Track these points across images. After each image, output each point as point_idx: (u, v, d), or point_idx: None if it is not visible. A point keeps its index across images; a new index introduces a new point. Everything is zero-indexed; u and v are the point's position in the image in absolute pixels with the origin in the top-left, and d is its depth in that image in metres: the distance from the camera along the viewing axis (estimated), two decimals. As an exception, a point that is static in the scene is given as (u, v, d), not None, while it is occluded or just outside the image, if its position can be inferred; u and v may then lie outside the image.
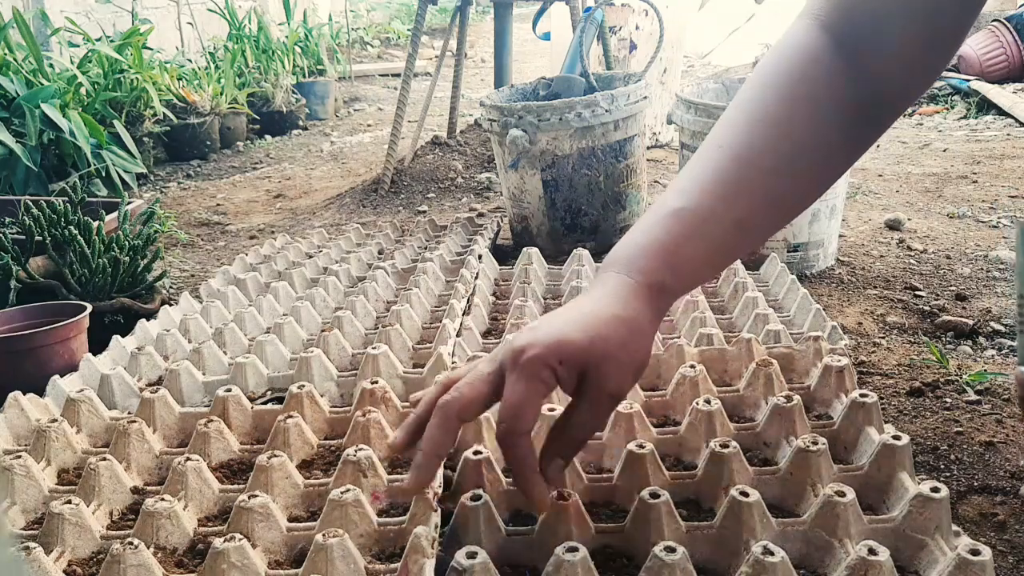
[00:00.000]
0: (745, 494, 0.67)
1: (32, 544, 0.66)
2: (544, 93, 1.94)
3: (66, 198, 1.52)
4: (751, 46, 5.01)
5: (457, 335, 1.11)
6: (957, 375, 1.15)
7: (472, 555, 0.62)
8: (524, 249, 1.45)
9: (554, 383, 0.60)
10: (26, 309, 1.26)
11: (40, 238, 1.39)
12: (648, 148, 2.44)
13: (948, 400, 1.08)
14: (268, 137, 3.59)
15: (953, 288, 1.49)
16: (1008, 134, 2.85)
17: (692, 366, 0.91)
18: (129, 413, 0.97)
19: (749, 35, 5.27)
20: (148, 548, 0.66)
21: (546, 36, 2.88)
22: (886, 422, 0.83)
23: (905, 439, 0.74)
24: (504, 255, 1.72)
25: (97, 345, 1.16)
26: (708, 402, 0.83)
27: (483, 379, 0.62)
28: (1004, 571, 0.76)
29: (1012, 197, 2.07)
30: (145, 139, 2.88)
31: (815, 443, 0.74)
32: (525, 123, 1.67)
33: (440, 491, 0.71)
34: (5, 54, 2.44)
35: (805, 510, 0.70)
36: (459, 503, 0.69)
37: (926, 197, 2.13)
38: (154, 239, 1.54)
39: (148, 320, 1.23)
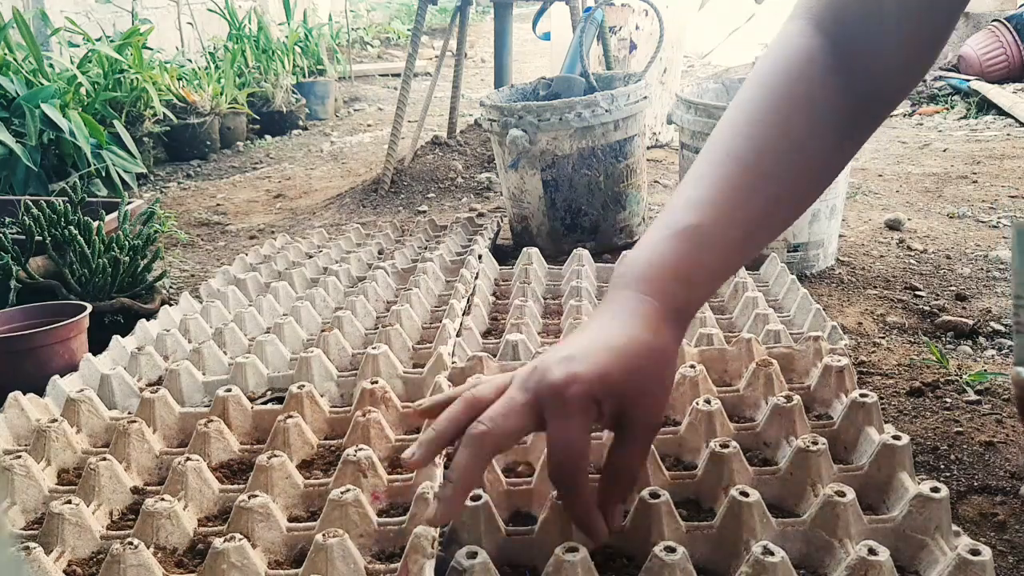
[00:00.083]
0: (745, 494, 0.67)
1: (32, 544, 0.66)
2: (544, 93, 1.94)
3: (66, 198, 1.52)
4: (751, 46, 5.01)
5: (457, 335, 1.11)
6: (957, 375, 1.15)
7: (472, 555, 0.62)
8: (524, 249, 1.45)
9: (595, 415, 0.59)
10: (26, 309, 1.26)
11: (40, 238, 1.39)
12: (648, 148, 2.44)
13: (948, 400, 1.08)
14: (268, 137, 3.59)
15: (953, 288, 1.49)
16: (1008, 134, 2.85)
17: (692, 366, 0.91)
18: (129, 413, 0.97)
19: (749, 35, 5.27)
20: (148, 548, 0.66)
21: (546, 36, 2.88)
22: (886, 422, 0.83)
23: (905, 439, 0.74)
24: (504, 255, 1.72)
25: (97, 345, 1.16)
26: (708, 402, 0.83)
27: (519, 411, 0.59)
28: (1004, 571, 0.76)
29: (1012, 197, 2.07)
30: (145, 139, 2.88)
31: (815, 443, 0.74)
32: (525, 123, 1.67)
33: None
34: (5, 54, 2.44)
35: (805, 510, 0.70)
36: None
37: (926, 197, 2.13)
38: (154, 239, 1.54)
39: (148, 320, 1.23)
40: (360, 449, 0.77)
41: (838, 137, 0.68)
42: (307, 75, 4.09)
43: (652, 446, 0.76)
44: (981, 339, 1.29)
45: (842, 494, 0.66)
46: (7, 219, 1.53)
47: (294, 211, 2.40)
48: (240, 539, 0.64)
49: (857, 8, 0.66)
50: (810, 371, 0.97)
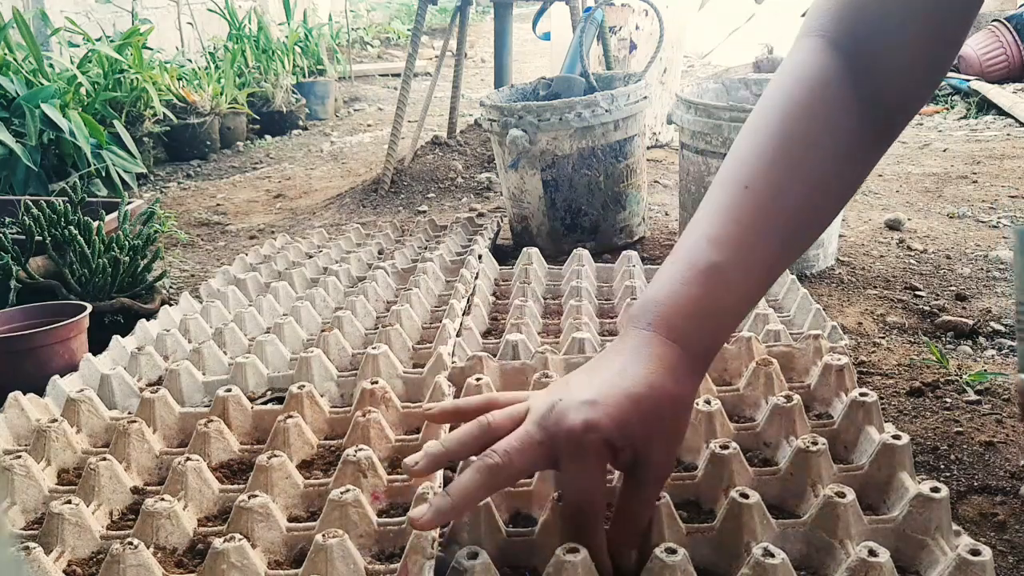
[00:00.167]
0: (745, 496, 0.67)
1: (32, 544, 0.66)
2: (544, 93, 1.94)
3: (66, 198, 1.52)
4: (751, 46, 5.01)
5: (457, 335, 1.11)
6: (957, 375, 1.15)
7: (473, 555, 0.62)
8: (524, 249, 1.45)
9: (609, 460, 0.59)
10: (26, 309, 1.26)
11: (40, 238, 1.39)
12: (648, 148, 2.44)
13: (948, 400, 1.08)
14: (268, 137, 3.59)
15: (953, 288, 1.49)
16: (1008, 134, 2.85)
17: (692, 366, 0.91)
18: (129, 413, 0.97)
19: (749, 35, 5.27)
20: (148, 548, 0.66)
21: (546, 36, 2.88)
22: (886, 422, 0.83)
23: (905, 438, 0.74)
24: (504, 255, 1.72)
25: (97, 345, 1.16)
26: (708, 402, 0.83)
27: (534, 449, 0.59)
28: (1004, 571, 0.76)
29: (1012, 197, 2.07)
30: (145, 139, 2.88)
31: (815, 443, 0.74)
32: (525, 123, 1.67)
33: (441, 491, 0.71)
34: (5, 54, 2.44)
35: (805, 510, 0.70)
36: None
37: (926, 197, 2.13)
38: (154, 239, 1.54)
39: (148, 320, 1.23)
40: (360, 449, 0.77)
41: (860, 157, 0.66)
42: (307, 75, 4.09)
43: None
44: (981, 339, 1.29)
45: (842, 495, 0.66)
46: (7, 219, 1.53)
47: (294, 211, 2.40)
48: (240, 539, 0.64)
49: (872, 21, 0.64)
50: (810, 370, 0.96)
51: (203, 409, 0.95)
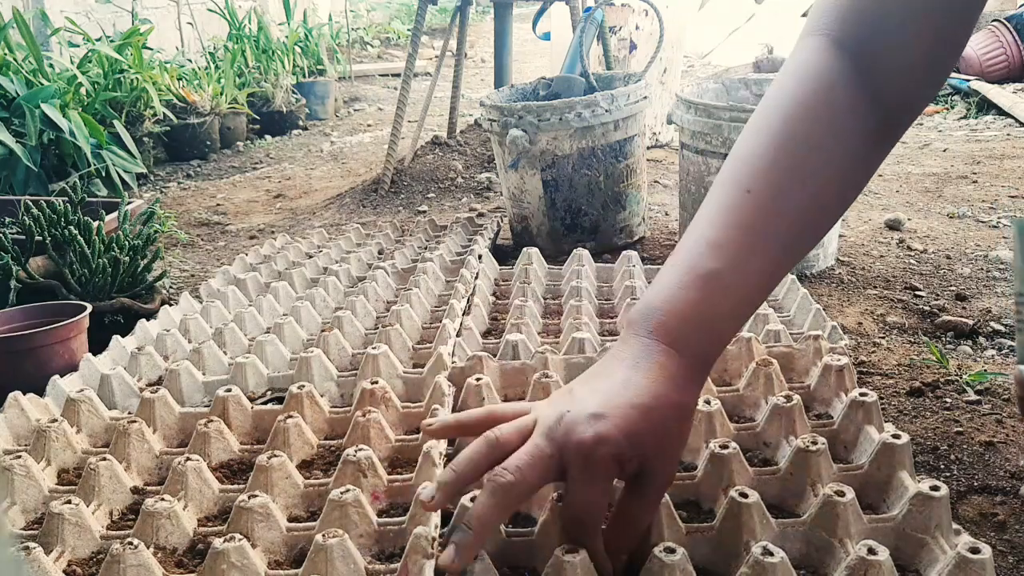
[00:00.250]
0: (745, 495, 0.67)
1: (32, 544, 0.66)
2: (544, 93, 1.94)
3: (66, 198, 1.52)
4: (751, 46, 5.00)
5: (457, 335, 1.11)
6: (957, 375, 1.15)
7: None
8: (524, 249, 1.45)
9: (617, 475, 0.59)
10: (26, 309, 1.26)
11: (40, 238, 1.39)
12: (648, 148, 2.44)
13: (948, 400, 1.08)
14: (268, 137, 3.59)
15: (953, 288, 1.49)
16: (1008, 134, 2.85)
17: (692, 366, 0.91)
18: (129, 413, 0.97)
19: (749, 35, 5.27)
20: (148, 548, 0.66)
21: (546, 36, 2.88)
22: (886, 422, 0.83)
23: (905, 438, 0.74)
24: (504, 255, 1.72)
25: (97, 345, 1.16)
26: (708, 402, 0.83)
27: (545, 464, 0.58)
28: (1004, 571, 0.76)
29: (1012, 197, 2.07)
30: (145, 139, 2.88)
31: (815, 443, 0.74)
32: (525, 123, 1.67)
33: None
34: (5, 54, 2.44)
35: (805, 510, 0.70)
36: (459, 503, 0.69)
37: (926, 197, 2.13)
38: (154, 239, 1.54)
39: (148, 320, 1.23)
40: (360, 449, 0.77)
41: (863, 159, 0.65)
42: (307, 75, 4.09)
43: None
44: (981, 339, 1.29)
45: (842, 494, 0.66)
46: (7, 219, 1.53)
47: (294, 211, 2.40)
48: (240, 539, 0.64)
49: (872, 21, 0.63)
50: (810, 370, 0.97)
51: (203, 409, 0.95)
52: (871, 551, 0.59)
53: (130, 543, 0.65)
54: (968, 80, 3.46)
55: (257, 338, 1.11)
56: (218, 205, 2.51)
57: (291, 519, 0.75)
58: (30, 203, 1.47)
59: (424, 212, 2.24)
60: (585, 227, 1.74)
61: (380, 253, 1.63)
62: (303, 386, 0.92)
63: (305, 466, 0.84)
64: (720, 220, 0.63)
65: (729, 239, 0.62)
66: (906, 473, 0.73)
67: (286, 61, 3.87)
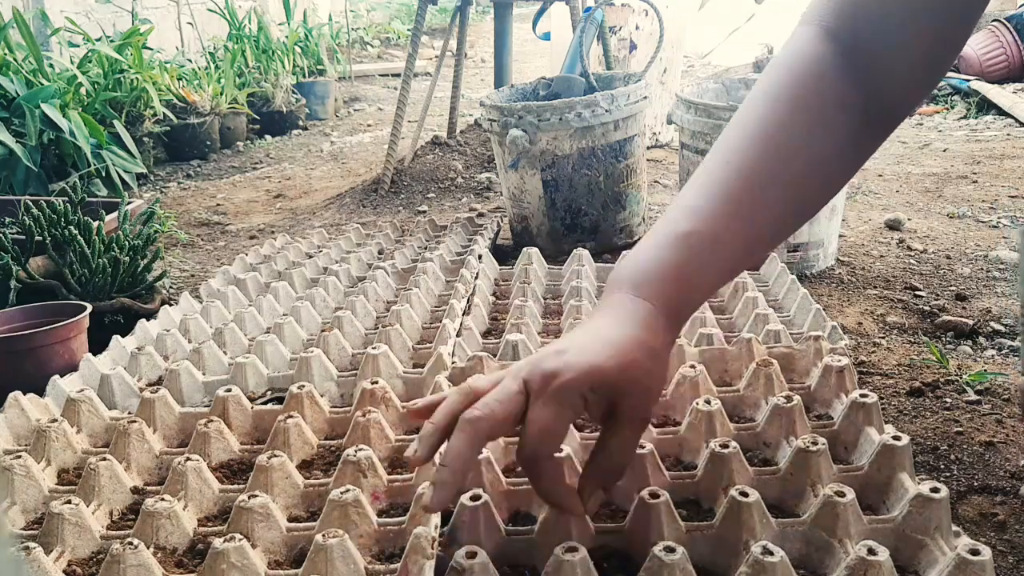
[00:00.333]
0: (745, 494, 0.67)
1: (32, 544, 0.66)
2: (544, 93, 1.94)
3: (66, 198, 1.52)
4: (751, 46, 5.00)
5: (457, 335, 1.11)
6: (957, 375, 1.15)
7: (472, 555, 0.62)
8: (524, 249, 1.45)
9: (582, 410, 0.60)
10: (26, 309, 1.26)
11: (40, 238, 1.39)
12: (648, 148, 2.44)
13: (948, 400, 1.09)
14: (268, 137, 3.59)
15: (953, 288, 1.49)
16: (1008, 134, 2.85)
17: (692, 366, 0.91)
18: (129, 413, 0.97)
19: (749, 35, 5.27)
20: (148, 548, 0.66)
21: (546, 36, 2.88)
22: (886, 422, 0.83)
23: (905, 439, 0.74)
24: (504, 255, 1.72)
25: (97, 345, 1.16)
26: (708, 402, 0.83)
27: (513, 399, 0.59)
28: (1004, 571, 0.76)
29: (1012, 197, 2.07)
30: (145, 139, 2.88)
31: (815, 443, 0.74)
32: (525, 123, 1.67)
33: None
34: (5, 54, 2.44)
35: (805, 510, 0.70)
36: (459, 503, 0.69)
37: (926, 197, 2.13)
38: (154, 239, 1.54)
39: (148, 320, 1.23)
40: (360, 449, 0.77)
41: (851, 147, 0.66)
42: (307, 75, 4.09)
43: (653, 447, 0.76)
44: (981, 339, 1.29)
45: (842, 494, 0.66)
46: (7, 219, 1.53)
47: (294, 211, 2.40)
48: (240, 539, 0.64)
49: (873, 20, 0.64)
50: (810, 371, 0.97)
51: (203, 409, 0.95)
52: (871, 551, 0.59)
53: (130, 543, 0.65)
54: (968, 80, 3.46)
55: (257, 338, 1.11)
56: (218, 205, 2.51)
57: (291, 519, 0.75)
58: (30, 203, 1.47)
59: (424, 212, 2.24)
60: (585, 227, 1.74)
61: (380, 253, 1.63)
62: (303, 386, 0.92)
63: (305, 466, 0.84)
64: (700, 189, 0.65)
65: (706, 204, 0.64)
66: (906, 474, 0.73)
67: (286, 61, 3.87)
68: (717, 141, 0.67)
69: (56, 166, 2.38)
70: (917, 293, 1.47)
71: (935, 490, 0.67)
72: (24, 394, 0.94)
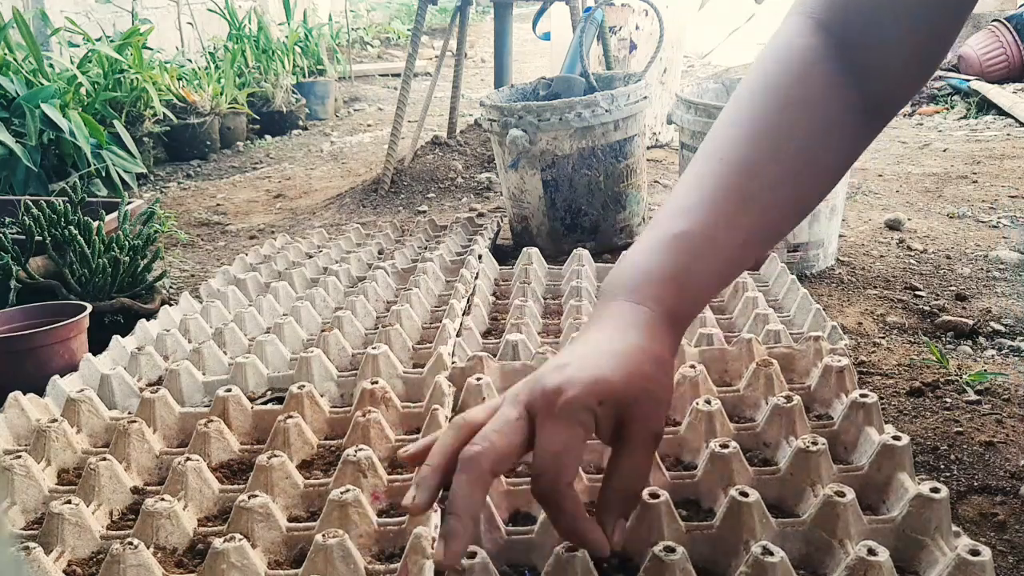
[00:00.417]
0: (745, 494, 0.67)
1: (32, 544, 0.66)
2: (544, 93, 1.94)
3: (66, 198, 1.52)
4: (751, 46, 5.01)
5: (457, 335, 1.11)
6: (957, 375, 1.15)
7: (472, 555, 0.62)
8: (524, 249, 1.45)
9: (592, 427, 0.55)
10: (26, 309, 1.26)
11: (40, 238, 1.39)
12: (648, 148, 2.44)
13: (948, 400, 1.08)
14: (268, 137, 3.59)
15: (953, 288, 1.49)
16: (1008, 134, 2.85)
17: (692, 366, 0.91)
18: (129, 413, 0.97)
19: (749, 35, 5.27)
20: (148, 548, 0.66)
21: (546, 36, 2.88)
22: (886, 422, 0.83)
23: (905, 439, 0.74)
24: (504, 255, 1.72)
25: (97, 345, 1.16)
26: (708, 402, 0.83)
27: (513, 426, 0.55)
28: (1004, 571, 0.76)
29: (1012, 197, 2.07)
30: (145, 139, 2.88)
31: (815, 443, 0.74)
32: (525, 123, 1.67)
33: (441, 492, 0.70)
34: (5, 54, 2.44)
35: (805, 510, 0.70)
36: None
37: (926, 197, 2.13)
38: (154, 239, 1.54)
39: (148, 320, 1.23)
40: (360, 449, 0.77)
41: (842, 141, 0.65)
42: (307, 75, 4.09)
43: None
44: (981, 339, 1.29)
45: (842, 494, 0.66)
46: (7, 219, 1.53)
47: (294, 211, 2.40)
48: (240, 539, 0.64)
49: (869, 13, 0.62)
50: (810, 371, 0.97)
51: (203, 409, 0.95)
52: (871, 551, 0.59)
53: (130, 543, 0.65)
54: (968, 80, 3.46)
55: (257, 338, 1.11)
56: (218, 205, 2.51)
57: (291, 519, 0.75)
58: (30, 203, 1.47)
59: (424, 212, 2.24)
60: (585, 227, 1.74)
61: (380, 253, 1.63)
62: (303, 386, 0.92)
63: (305, 466, 0.84)
64: (692, 188, 0.63)
65: (700, 203, 0.61)
66: (906, 475, 0.73)
67: (286, 61, 3.87)
68: (707, 137, 0.65)
69: (56, 166, 2.38)
70: (917, 293, 1.47)
71: (935, 490, 0.67)
72: (24, 394, 0.94)
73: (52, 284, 1.38)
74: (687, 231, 0.60)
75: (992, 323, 1.33)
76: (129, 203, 1.62)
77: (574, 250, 1.42)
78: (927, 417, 1.04)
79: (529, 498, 0.75)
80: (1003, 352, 1.25)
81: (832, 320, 1.10)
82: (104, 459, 0.79)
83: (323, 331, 1.11)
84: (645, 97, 1.72)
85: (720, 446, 0.75)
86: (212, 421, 0.86)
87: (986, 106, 3.24)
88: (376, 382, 0.91)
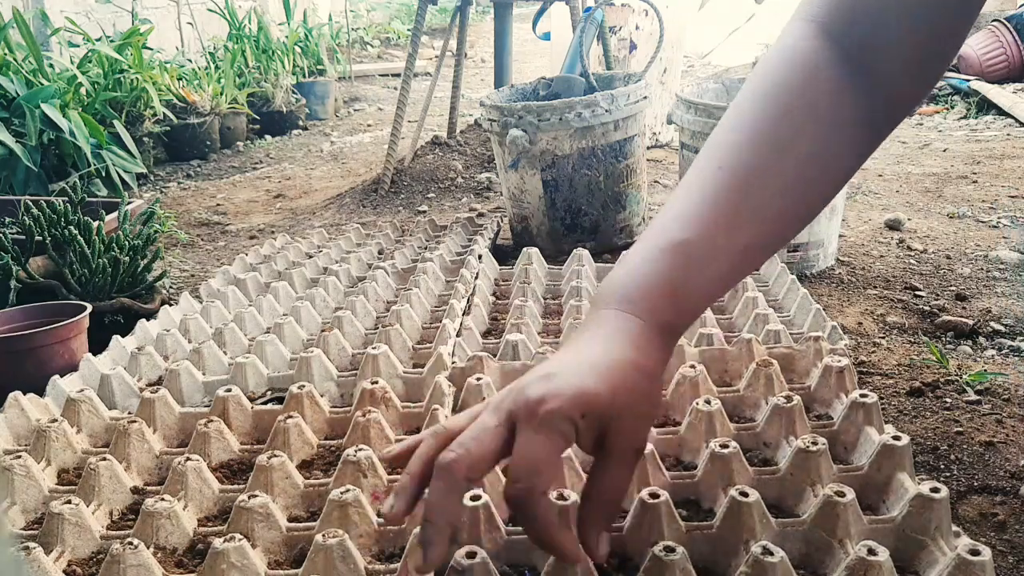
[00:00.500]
0: (745, 494, 0.67)
1: (32, 544, 0.66)
2: (544, 93, 1.94)
3: (66, 198, 1.52)
4: (751, 46, 5.01)
5: (457, 335, 1.11)
6: (957, 375, 1.15)
7: (472, 555, 0.62)
8: (524, 249, 1.45)
9: (573, 438, 0.54)
10: (26, 309, 1.26)
11: (40, 238, 1.39)
12: (648, 148, 2.44)
13: (948, 400, 1.08)
14: (268, 137, 3.59)
15: (953, 288, 1.49)
16: (1008, 134, 2.85)
17: (692, 366, 0.91)
18: (129, 413, 0.97)
19: (749, 35, 5.27)
20: (148, 548, 0.66)
21: (546, 36, 2.88)
22: (886, 422, 0.83)
23: (905, 439, 0.74)
24: (504, 255, 1.72)
25: (97, 345, 1.16)
26: (708, 402, 0.83)
27: (490, 433, 0.54)
28: (1004, 571, 0.76)
29: (1012, 197, 2.07)
30: (145, 139, 2.88)
31: (815, 443, 0.74)
32: (525, 123, 1.67)
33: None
34: (5, 54, 2.44)
35: (805, 510, 0.70)
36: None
37: (926, 197, 2.13)
38: (154, 239, 1.54)
39: (148, 320, 1.23)
40: (360, 449, 0.77)
41: (845, 148, 0.63)
42: (307, 75, 4.09)
43: (653, 447, 0.76)
44: (981, 339, 1.29)
45: (842, 494, 0.66)
46: (7, 219, 1.53)
47: (294, 211, 2.40)
48: (240, 539, 0.64)
49: (873, 16, 0.61)
50: (810, 371, 0.97)
51: (203, 409, 0.95)
52: (871, 551, 0.59)
53: (130, 543, 0.65)
54: (968, 80, 3.46)
55: (257, 338, 1.11)
56: (218, 205, 2.51)
57: (291, 519, 0.75)
58: (30, 203, 1.47)
59: (424, 212, 2.24)
60: (585, 227, 1.74)
61: (380, 253, 1.63)
62: (303, 386, 0.92)
63: (305, 466, 0.84)
64: (690, 195, 0.61)
65: (698, 212, 0.60)
66: (906, 475, 0.73)
67: (286, 61, 3.87)
68: (707, 143, 0.64)
69: (56, 166, 2.38)
70: (917, 293, 1.47)
71: (935, 490, 0.67)
72: (24, 394, 0.94)
73: (52, 284, 1.38)
74: (686, 240, 0.59)
75: (992, 323, 1.33)
76: (129, 203, 1.62)
77: (574, 250, 1.42)
78: (927, 417, 1.04)
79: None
80: (1003, 352, 1.25)
81: (832, 320, 1.10)
82: (104, 459, 0.79)
83: (323, 331, 1.12)
84: (645, 97, 1.72)
85: (720, 446, 0.75)
86: (212, 421, 0.86)
87: (986, 106, 3.24)
88: (376, 382, 0.91)
